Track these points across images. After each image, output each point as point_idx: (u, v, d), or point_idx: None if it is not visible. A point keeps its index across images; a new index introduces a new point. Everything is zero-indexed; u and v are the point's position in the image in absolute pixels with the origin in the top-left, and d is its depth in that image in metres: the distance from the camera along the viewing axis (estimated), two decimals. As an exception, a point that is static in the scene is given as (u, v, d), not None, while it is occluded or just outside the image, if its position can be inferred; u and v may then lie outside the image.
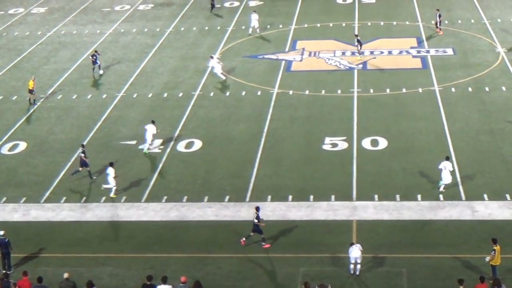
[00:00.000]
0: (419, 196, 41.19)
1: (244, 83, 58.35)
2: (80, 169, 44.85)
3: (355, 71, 59.86)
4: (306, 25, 72.44)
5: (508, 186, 41.91)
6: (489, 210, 39.82)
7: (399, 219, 39.38)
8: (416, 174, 43.78)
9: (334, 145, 47.84)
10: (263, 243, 37.56)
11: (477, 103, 52.79)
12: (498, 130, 48.71)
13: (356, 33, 66.89)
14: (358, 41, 63.04)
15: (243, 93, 56.59)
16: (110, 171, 42.80)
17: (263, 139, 49.11)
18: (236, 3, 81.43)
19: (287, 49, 65.96)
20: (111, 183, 42.92)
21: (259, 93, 56.35)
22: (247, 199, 42.08)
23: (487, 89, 55.10)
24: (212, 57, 60.50)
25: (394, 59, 62.31)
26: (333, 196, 41.83)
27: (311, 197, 41.89)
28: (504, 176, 43.16)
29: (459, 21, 71.09)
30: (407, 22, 70.83)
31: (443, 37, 66.55)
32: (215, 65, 59.32)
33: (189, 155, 47.53)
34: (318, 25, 72.67)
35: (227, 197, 42.25)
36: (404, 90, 55.62)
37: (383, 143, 47.75)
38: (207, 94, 56.76)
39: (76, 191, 43.76)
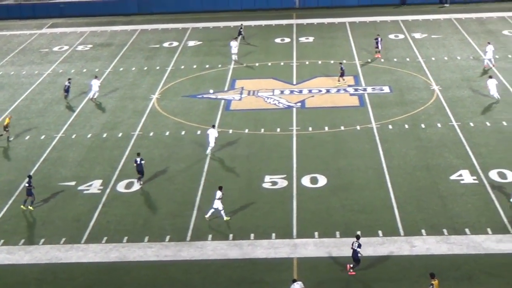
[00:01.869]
0: (358, 233, 41.58)
1: (184, 123, 58.50)
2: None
3: (294, 109, 60.43)
4: (244, 65, 73.01)
5: (445, 221, 42.60)
6: (427, 245, 40.38)
7: (339, 255, 39.69)
8: (355, 211, 44.24)
9: (274, 183, 48.13)
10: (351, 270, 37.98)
11: (414, 140, 53.65)
12: (434, 166, 49.53)
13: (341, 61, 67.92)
14: (342, 69, 64.53)
15: (183, 132, 56.70)
16: (218, 194, 43.41)
17: (203, 179, 49.19)
18: (175, 43, 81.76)
19: (226, 88, 66.36)
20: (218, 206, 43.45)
21: (198, 132, 56.51)
22: (188, 238, 42.04)
23: (423, 125, 56.05)
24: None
25: (332, 98, 63.07)
26: (273, 234, 42.01)
27: (252, 235, 42.02)
28: (441, 211, 43.85)
29: (395, 59, 72.33)
30: (344, 61, 71.81)
31: (380, 75, 67.64)
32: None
33: (129, 195, 47.38)
34: (257, 64, 73.31)
35: (168, 237, 42.16)
36: (342, 128, 56.31)
37: (322, 180, 48.18)
38: (146, 134, 56.75)
39: (14, 233, 43.25)
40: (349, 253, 39.38)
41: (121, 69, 73.42)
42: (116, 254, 40.73)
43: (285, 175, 49.01)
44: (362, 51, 75.29)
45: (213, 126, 53.45)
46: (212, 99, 63.63)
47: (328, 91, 64.64)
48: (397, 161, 50.52)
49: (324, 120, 57.87)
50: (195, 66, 73.07)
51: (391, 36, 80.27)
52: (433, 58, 72.32)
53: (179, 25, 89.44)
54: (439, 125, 56.10)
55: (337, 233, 41.82)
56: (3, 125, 56.70)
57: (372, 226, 42.39)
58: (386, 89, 64.47)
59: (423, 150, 51.96)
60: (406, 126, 56.15)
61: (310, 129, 56.35)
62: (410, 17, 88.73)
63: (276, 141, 54.68)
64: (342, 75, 65.23)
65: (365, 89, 64.24)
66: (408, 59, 72.39)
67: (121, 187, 48.51)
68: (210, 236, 42.03)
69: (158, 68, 72.92)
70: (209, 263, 39.31)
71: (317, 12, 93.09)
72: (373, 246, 40.33)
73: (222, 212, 43.55)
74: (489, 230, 41.61)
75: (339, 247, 40.43)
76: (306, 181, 48.19)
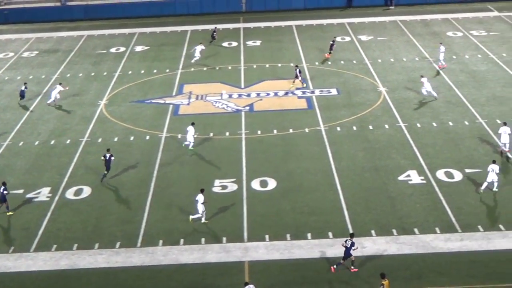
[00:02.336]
0: (309, 235, 41.85)
1: (133, 128, 58.28)
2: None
3: (243, 113, 60.57)
4: (192, 69, 72.96)
5: (394, 222, 43.06)
6: (377, 245, 40.77)
7: (290, 258, 39.89)
8: (305, 213, 44.49)
9: (224, 187, 48.18)
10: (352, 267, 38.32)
11: (362, 141, 54.12)
12: (382, 167, 50.01)
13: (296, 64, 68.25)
14: (299, 71, 65.29)
15: (132, 138, 56.49)
16: (200, 197, 43.59)
17: (153, 184, 49.08)
18: (122, 49, 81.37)
19: (174, 93, 66.24)
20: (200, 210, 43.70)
21: (147, 137, 56.36)
22: (139, 244, 41.91)
23: (370, 127, 56.56)
24: None
25: (280, 101, 63.33)
26: (224, 238, 42.09)
27: (203, 239, 42.05)
28: (390, 211, 44.31)
29: (342, 62, 72.86)
30: (292, 64, 72.15)
31: (327, 78, 68.08)
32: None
33: (79, 202, 47.07)
34: (205, 68, 73.31)
35: (118, 243, 41.98)
36: (291, 131, 56.57)
37: (272, 183, 48.37)
38: (95, 140, 56.41)
39: (-38, 244, 42.82)
40: (299, 255, 39.67)
41: (68, 75, 72.86)
42: (66, 262, 40.44)
43: (234, 179, 49.10)
44: (309, 54, 75.69)
45: (192, 124, 53.95)
46: (160, 104, 63.48)
47: (276, 94, 64.91)
48: (346, 162, 50.91)
49: (272, 123, 58.08)
50: (142, 71, 72.83)
51: (338, 39, 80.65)
52: (379, 60, 73.01)
53: (126, 30, 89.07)
54: (386, 126, 56.67)
55: (288, 236, 42.02)
56: None
57: (322, 227, 42.67)
58: (334, 91, 64.92)
59: (371, 152, 52.44)
60: (354, 128, 56.61)
61: (259, 132, 56.54)
62: (356, 20, 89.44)
63: (225, 145, 54.76)
64: (297, 76, 65.39)
65: (313, 92, 64.60)
66: (355, 61, 72.98)
67: (70, 194, 48.17)
68: (161, 242, 41.94)
69: (105, 73, 72.55)
70: (161, 268, 39.23)
71: (264, 16, 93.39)
72: (324, 248, 40.60)
73: (203, 214, 43.86)
74: (437, 229, 42.16)
75: (290, 249, 40.63)
76: (256, 184, 48.33)
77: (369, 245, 40.77)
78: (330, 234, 42.02)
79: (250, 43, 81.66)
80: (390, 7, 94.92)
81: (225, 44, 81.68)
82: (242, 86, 67.29)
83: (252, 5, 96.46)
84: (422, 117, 58.08)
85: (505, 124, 51.76)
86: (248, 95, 64.85)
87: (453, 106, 60.19)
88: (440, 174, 48.25)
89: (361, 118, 58.32)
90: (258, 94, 64.94)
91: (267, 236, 42.06)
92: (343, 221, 43.37)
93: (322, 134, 55.78)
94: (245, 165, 51.10)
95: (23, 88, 65.55)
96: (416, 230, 42.16)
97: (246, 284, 35.40)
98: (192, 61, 73.93)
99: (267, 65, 73.31)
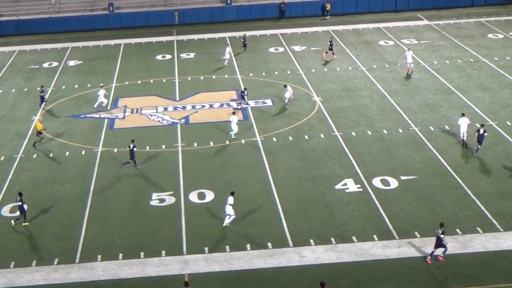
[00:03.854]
0: (248, 246, 41.94)
1: (68, 143, 57.73)
2: None
3: (178, 125, 60.46)
4: (127, 83, 72.62)
5: (332, 230, 43.40)
6: (315, 254, 41.04)
7: (230, 269, 39.93)
8: (244, 224, 44.56)
9: (162, 200, 48.02)
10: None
11: (298, 151, 54.44)
12: (319, 176, 50.38)
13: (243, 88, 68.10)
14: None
15: (67, 153, 55.93)
16: (230, 200, 44.34)
17: (90, 199, 48.67)
18: (55, 63, 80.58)
19: (109, 107, 65.80)
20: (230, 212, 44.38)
21: (83, 152, 55.88)
22: (77, 260, 41.51)
23: (306, 137, 56.94)
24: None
25: (215, 112, 63.38)
26: (163, 252, 41.92)
27: (142, 253, 41.83)
28: (327, 220, 44.65)
29: (276, 73, 73.25)
30: (226, 76, 72.32)
31: (262, 89, 68.36)
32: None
33: (15, 219, 46.38)
34: (139, 82, 73.02)
35: (56, 260, 41.52)
36: (227, 142, 56.65)
37: (210, 195, 48.35)
38: (29, 156, 55.72)
39: None
40: (239, 266, 39.75)
41: (0, 91, 71.87)
42: (3, 280, 39.85)
43: (172, 192, 48.97)
44: (243, 66, 75.89)
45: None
46: (95, 119, 63.02)
47: (211, 106, 64.94)
48: (283, 173, 51.16)
49: (209, 135, 58.10)
50: (76, 86, 72.23)
51: (271, 50, 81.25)
52: (313, 70, 73.55)
53: (58, 45, 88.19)
54: (322, 135, 57.11)
55: (227, 247, 42.04)
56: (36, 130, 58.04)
57: (261, 238, 42.80)
58: (269, 102, 65.22)
59: (308, 161, 52.79)
60: (290, 138, 56.92)
61: (195, 144, 56.49)
62: (289, 30, 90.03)
63: (162, 158, 54.58)
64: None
65: (248, 103, 64.76)
66: (289, 72, 73.42)
67: (5, 211, 47.49)
68: (99, 257, 41.60)
69: (38, 89, 71.64)
70: (100, 284, 38.91)
71: (197, 28, 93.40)
72: (263, 258, 40.73)
73: (231, 218, 44.32)
74: (375, 236, 42.62)
75: (230, 261, 40.67)
76: (193, 196, 48.27)
77: (308, 254, 41.02)
78: (269, 244, 42.15)
79: (184, 55, 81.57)
80: (326, 17, 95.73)
81: (159, 57, 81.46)
82: (177, 99, 67.20)
83: (185, 18, 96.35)
84: (357, 126, 58.70)
85: (463, 115, 54.89)
86: (184, 107, 64.78)
87: (387, 114, 60.96)
88: (376, 181, 48.82)
89: (296, 128, 58.68)
90: (193, 107, 64.89)
91: (206, 248, 42.03)
92: (282, 231, 43.57)
93: (259, 144, 55.98)
94: (182, 178, 51.00)
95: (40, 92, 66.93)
96: (354, 238, 42.57)
97: (187, 284, 35.64)
98: (225, 60, 76.87)
99: (202, 77, 73.31)
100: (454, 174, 49.98)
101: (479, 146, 52.42)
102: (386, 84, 68.43)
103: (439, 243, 39.72)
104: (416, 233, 42.84)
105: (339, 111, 62.16)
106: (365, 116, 60.83)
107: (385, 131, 57.51)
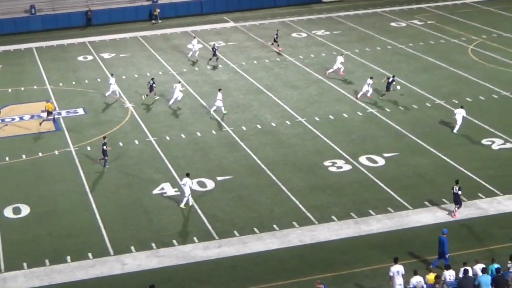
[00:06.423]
0: (68, 258, 41.38)
1: None
2: None
3: (-12, 140, 58.80)
4: None
5: (153, 235, 43.45)
6: (137, 261, 41.00)
7: (51, 284, 39.25)
8: (63, 236, 43.91)
9: (-25, 218, 46.60)
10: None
11: (113, 159, 53.97)
12: (136, 183, 50.35)
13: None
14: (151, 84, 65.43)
15: None
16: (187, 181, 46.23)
17: None
18: None
19: None
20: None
21: None
22: None
23: (121, 144, 56.68)
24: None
25: (26, 125, 61.94)
26: (-20, 271, 40.76)
27: (-43, 275, 40.47)
28: (147, 226, 44.70)
29: (86, 81, 72.42)
30: (35, 87, 70.91)
31: (73, 98, 67.45)
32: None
33: None
34: None
35: None
36: (40, 154, 55.57)
37: (25, 210, 47.29)
38: None
39: None
40: (60, 279, 39.25)
41: None
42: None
43: (-14, 209, 47.61)
44: (52, 76, 74.59)
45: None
46: None
47: (21, 118, 63.44)
48: (99, 181, 50.78)
49: (20, 149, 56.76)
50: None
51: (80, 58, 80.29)
52: (123, 77, 73.23)
53: None
54: (136, 142, 57.02)
55: (47, 261, 41.28)
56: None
57: (81, 249, 42.31)
58: (81, 111, 64.44)
59: (124, 168, 52.59)
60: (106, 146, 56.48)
61: (7, 159, 55.06)
62: (97, 38, 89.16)
63: (-27, 175, 52.93)
64: (151, 90, 65.53)
65: (59, 113, 63.70)
66: (99, 80, 72.76)
67: None
68: None
69: None
70: None
71: (1, 40, 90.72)
72: (85, 269, 40.31)
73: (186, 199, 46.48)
74: (195, 238, 43.06)
75: (50, 275, 39.98)
76: (8, 212, 47.04)
77: (130, 262, 40.94)
78: (90, 255, 41.73)
79: (-11, 68, 79.25)
80: (158, 21, 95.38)
81: (-37, 70, 78.80)
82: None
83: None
84: (171, 130, 59.01)
85: (462, 107, 57.44)
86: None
87: (199, 117, 61.63)
88: (194, 184, 49.22)
89: (110, 135, 58.20)
90: (2, 120, 63.13)
91: (25, 264, 41.10)
92: (102, 240, 43.24)
93: (73, 155, 55.24)
94: (-5, 194, 49.68)
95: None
96: (175, 241, 42.83)
97: None
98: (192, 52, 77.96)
99: (10, 90, 71.42)
100: (268, 172, 51.22)
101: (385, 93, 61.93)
102: (198, 87, 69.12)
103: (457, 199, 43.75)
104: (235, 232, 43.62)
105: (152, 116, 62.27)
106: (178, 120, 61.26)
107: (199, 134, 58.13)
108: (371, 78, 64.14)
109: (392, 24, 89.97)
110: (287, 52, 79.22)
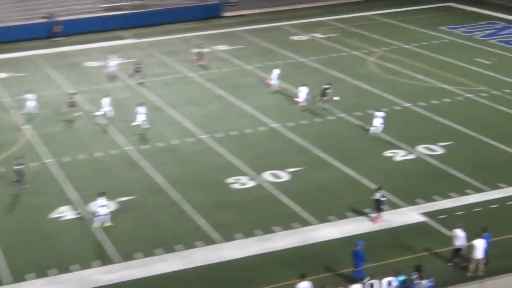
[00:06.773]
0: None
1: None
2: None
3: None
4: None
5: (52, 261, 41.90)
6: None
7: None
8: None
9: None
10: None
11: (8, 183, 51.97)
12: (35, 206, 48.65)
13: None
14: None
15: None
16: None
17: None
18: None
19: None
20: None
21: None
22: None
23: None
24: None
25: None
26: None
27: None
28: (46, 251, 43.16)
29: (-19, 102, 70.31)
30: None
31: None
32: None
33: None
34: None
35: None
36: None
37: None
38: None
39: None
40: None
41: None
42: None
43: None
44: None
45: None
46: None
47: None
48: (-4, 206, 49.09)
49: None
50: None
51: (-25, 79, 77.98)
52: (18, 97, 70.89)
53: None
54: (34, 164, 55.27)
55: None
56: None
57: (-15, 276, 40.68)
58: (-26, 133, 62.38)
59: (21, 192, 50.89)
60: (1, 169, 54.61)
61: None
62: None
63: None
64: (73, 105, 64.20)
65: (-47, 137, 61.47)
66: (-3, 100, 70.67)
67: None
68: None
69: None
70: None
71: None
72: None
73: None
74: (96, 262, 41.79)
75: None
76: None
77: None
78: (-20, 284, 40.17)
79: None
80: (58, 39, 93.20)
81: None
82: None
83: None
84: (71, 151, 57.47)
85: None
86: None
87: (99, 136, 60.26)
88: (94, 206, 47.74)
89: (8, 158, 56.16)
90: None
91: None
92: (1, 266, 41.65)
93: (-33, 179, 53.33)
94: None
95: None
96: (75, 266, 41.45)
97: None
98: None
99: None
100: (171, 191, 50.31)
101: None
102: (98, 105, 67.52)
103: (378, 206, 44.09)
104: (138, 253, 42.54)
105: (51, 137, 60.58)
106: (78, 140, 59.77)
107: (98, 154, 56.81)
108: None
109: (293, 37, 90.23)
110: (188, 68, 78.39)
